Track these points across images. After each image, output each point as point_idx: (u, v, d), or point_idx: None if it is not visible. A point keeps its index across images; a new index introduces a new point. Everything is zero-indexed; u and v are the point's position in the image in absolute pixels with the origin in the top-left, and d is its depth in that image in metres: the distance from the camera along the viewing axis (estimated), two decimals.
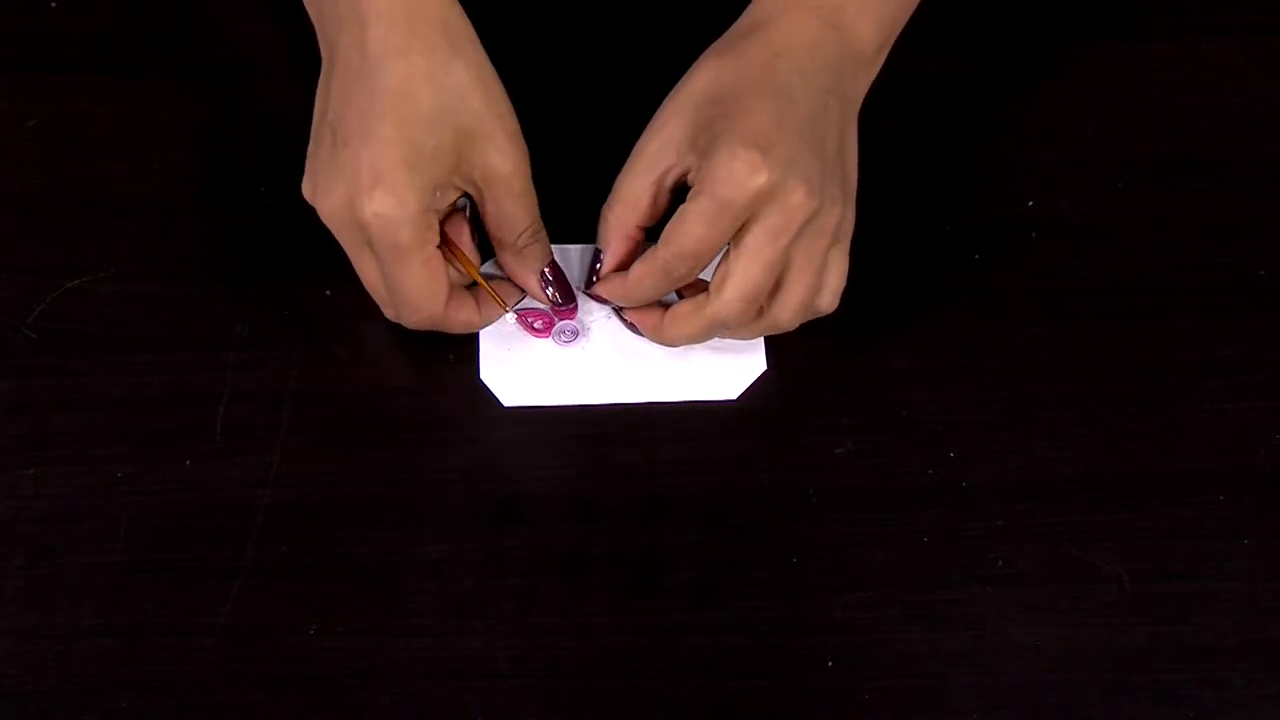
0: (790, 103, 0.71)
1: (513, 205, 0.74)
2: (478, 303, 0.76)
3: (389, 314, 0.76)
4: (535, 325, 0.78)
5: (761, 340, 0.78)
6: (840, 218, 0.73)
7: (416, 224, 0.70)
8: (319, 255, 0.78)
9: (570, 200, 0.76)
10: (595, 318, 0.79)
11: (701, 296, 0.73)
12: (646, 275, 0.74)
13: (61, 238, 0.79)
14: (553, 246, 0.77)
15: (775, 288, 0.72)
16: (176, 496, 0.74)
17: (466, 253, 0.75)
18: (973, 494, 0.75)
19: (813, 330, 0.76)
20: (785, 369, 0.78)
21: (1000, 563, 0.74)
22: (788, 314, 0.73)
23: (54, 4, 0.85)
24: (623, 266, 0.75)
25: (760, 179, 0.69)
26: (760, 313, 0.73)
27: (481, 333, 0.78)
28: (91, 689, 0.70)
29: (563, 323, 0.78)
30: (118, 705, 0.70)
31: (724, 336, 0.76)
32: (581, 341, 0.78)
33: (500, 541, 0.74)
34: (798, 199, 0.70)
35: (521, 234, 0.75)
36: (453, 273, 0.75)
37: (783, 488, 0.75)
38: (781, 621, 0.73)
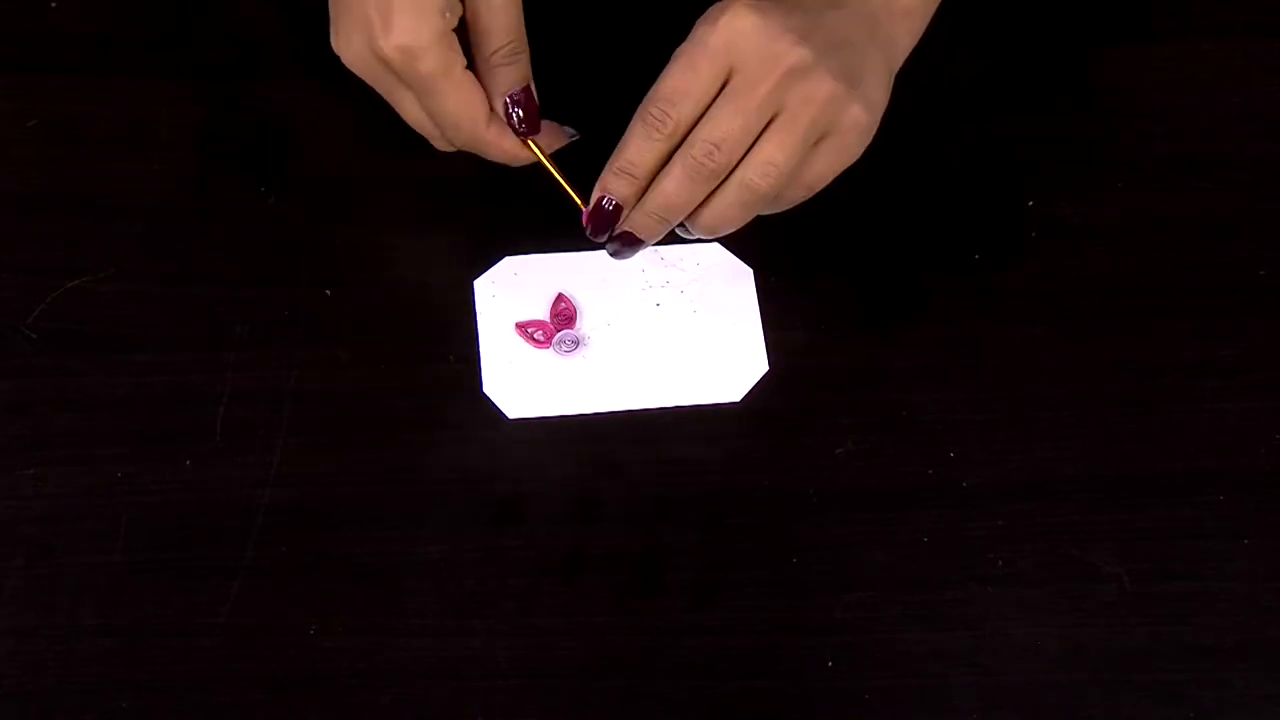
0: (809, 9, 0.71)
1: (490, 17, 0.73)
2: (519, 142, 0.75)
3: (437, 145, 0.76)
4: (536, 336, 0.78)
5: (762, 342, 0.78)
6: (838, 95, 0.70)
7: (436, 49, 0.71)
8: (319, 255, 0.78)
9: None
10: (595, 327, 0.79)
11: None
12: (629, 129, 0.71)
13: (61, 238, 0.79)
14: (561, 255, 0.78)
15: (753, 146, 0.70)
16: (176, 496, 0.74)
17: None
18: (973, 494, 0.75)
19: (813, 331, 0.77)
20: (786, 369, 0.78)
21: (1000, 563, 0.74)
22: (755, 173, 0.70)
23: (54, 4, 0.85)
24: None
25: (742, 20, 0.69)
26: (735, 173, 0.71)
27: (483, 346, 0.78)
28: (91, 689, 0.70)
29: (563, 333, 0.78)
30: (118, 705, 0.70)
31: (708, 224, 0.73)
32: (583, 350, 0.78)
33: (500, 541, 0.74)
34: (782, 46, 0.69)
35: (497, 51, 0.73)
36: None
37: (783, 488, 0.75)
38: (781, 621, 0.73)
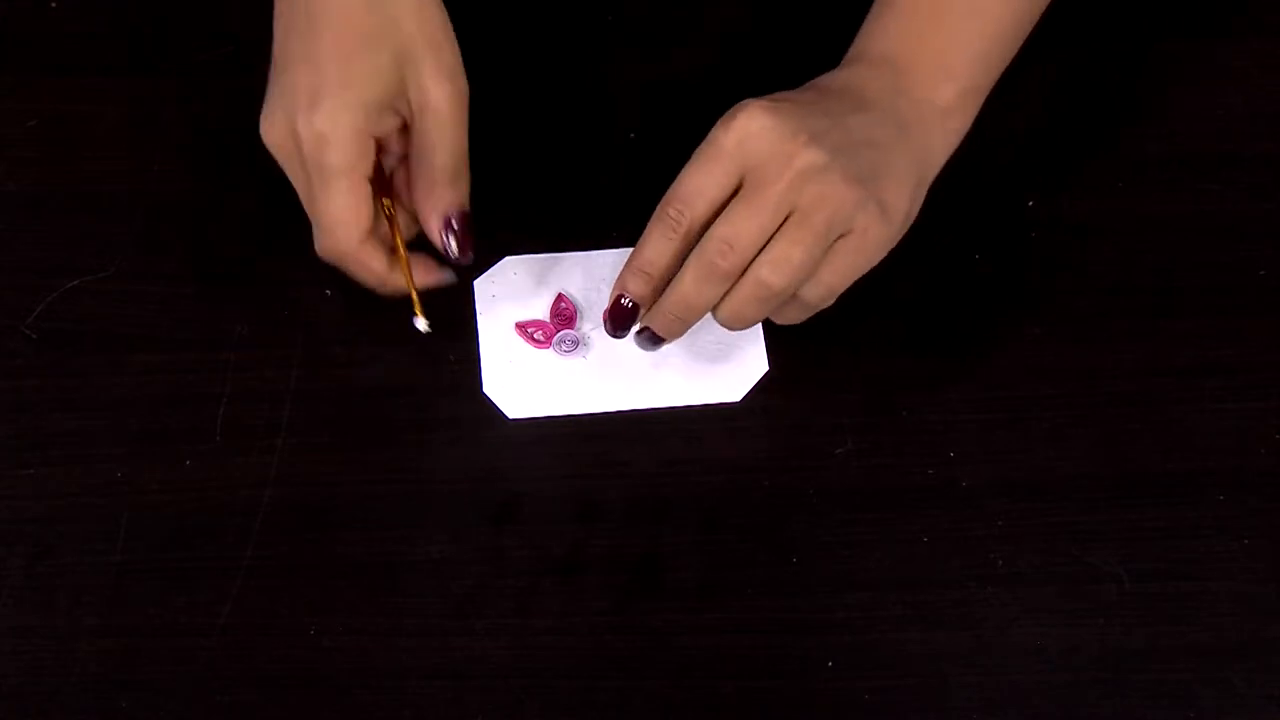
0: (821, 96, 0.71)
1: (436, 137, 0.72)
2: (392, 264, 0.74)
3: (316, 246, 0.74)
4: (536, 336, 0.78)
5: (762, 342, 0.78)
6: (852, 197, 0.69)
7: (349, 143, 0.70)
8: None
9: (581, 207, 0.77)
10: (595, 327, 0.79)
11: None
12: (648, 228, 0.71)
13: (61, 238, 0.79)
14: (561, 255, 0.78)
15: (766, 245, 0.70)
16: (176, 496, 0.74)
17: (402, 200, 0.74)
18: (973, 494, 0.75)
19: (813, 331, 0.76)
20: (786, 369, 0.78)
21: (1000, 563, 0.74)
22: (767, 270, 0.69)
23: (54, 4, 0.85)
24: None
25: (755, 122, 0.69)
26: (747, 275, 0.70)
27: (482, 346, 0.78)
28: (91, 689, 0.70)
29: (563, 333, 0.78)
30: (118, 705, 0.70)
31: (724, 319, 0.72)
32: (583, 350, 0.78)
33: (500, 541, 0.74)
34: (793, 146, 0.69)
35: (441, 168, 0.73)
36: (382, 227, 0.74)
37: (783, 488, 0.75)
38: (781, 621, 0.72)
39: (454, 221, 0.73)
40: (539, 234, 0.80)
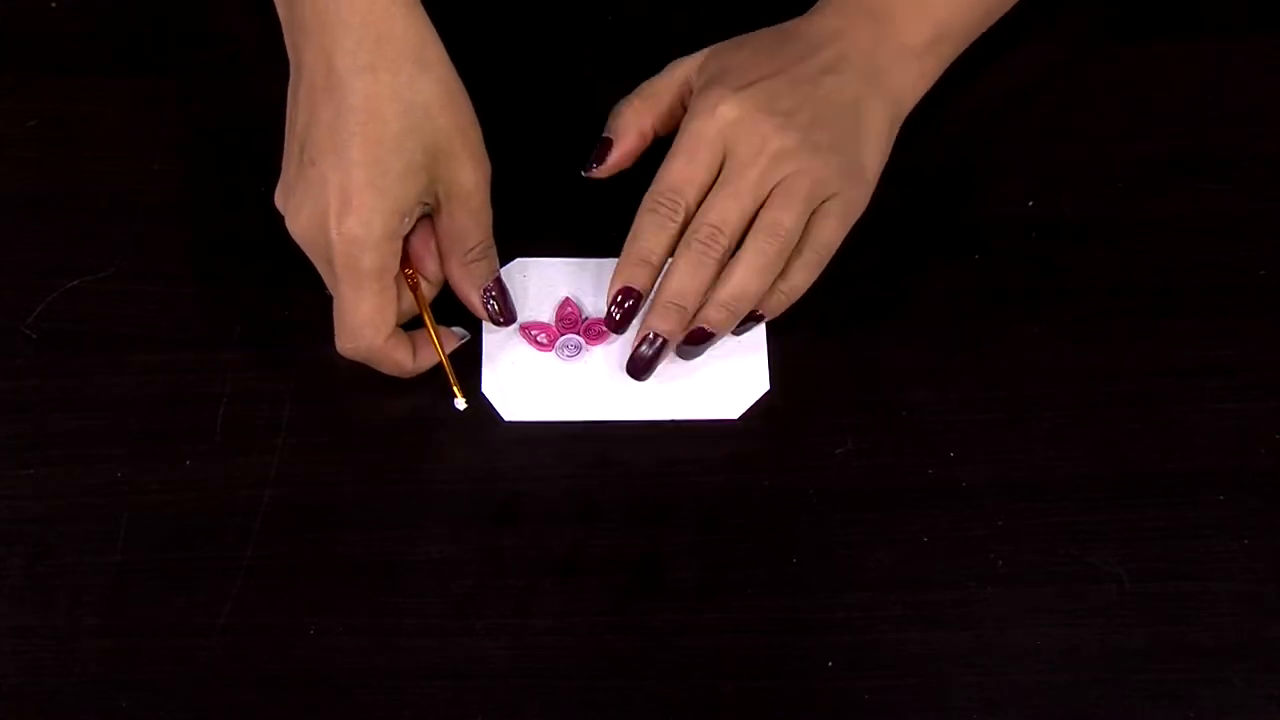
0: (795, 59, 0.74)
1: (469, 220, 0.73)
2: (414, 347, 0.75)
3: (337, 343, 0.74)
4: (539, 339, 0.78)
5: (764, 358, 0.77)
6: (831, 171, 0.73)
7: (380, 250, 0.70)
8: None
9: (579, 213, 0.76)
10: (598, 335, 0.78)
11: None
12: (640, 220, 0.74)
13: (61, 238, 0.79)
14: (570, 261, 0.79)
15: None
16: (176, 496, 0.74)
17: (429, 270, 0.75)
18: (973, 494, 0.75)
19: (813, 330, 0.76)
20: (785, 369, 0.78)
21: (1000, 563, 0.74)
22: (764, 235, 0.73)
23: (54, 4, 0.85)
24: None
25: (732, 111, 0.72)
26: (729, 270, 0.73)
27: (484, 346, 0.78)
28: (91, 689, 0.70)
29: (566, 337, 0.78)
30: (118, 705, 0.70)
31: (729, 296, 0.73)
32: (584, 356, 0.78)
33: (500, 541, 0.74)
34: (768, 129, 0.72)
35: (472, 249, 0.74)
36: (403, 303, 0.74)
37: (783, 488, 0.75)
38: (781, 621, 0.72)
39: (493, 289, 0.75)
40: (538, 234, 0.80)
